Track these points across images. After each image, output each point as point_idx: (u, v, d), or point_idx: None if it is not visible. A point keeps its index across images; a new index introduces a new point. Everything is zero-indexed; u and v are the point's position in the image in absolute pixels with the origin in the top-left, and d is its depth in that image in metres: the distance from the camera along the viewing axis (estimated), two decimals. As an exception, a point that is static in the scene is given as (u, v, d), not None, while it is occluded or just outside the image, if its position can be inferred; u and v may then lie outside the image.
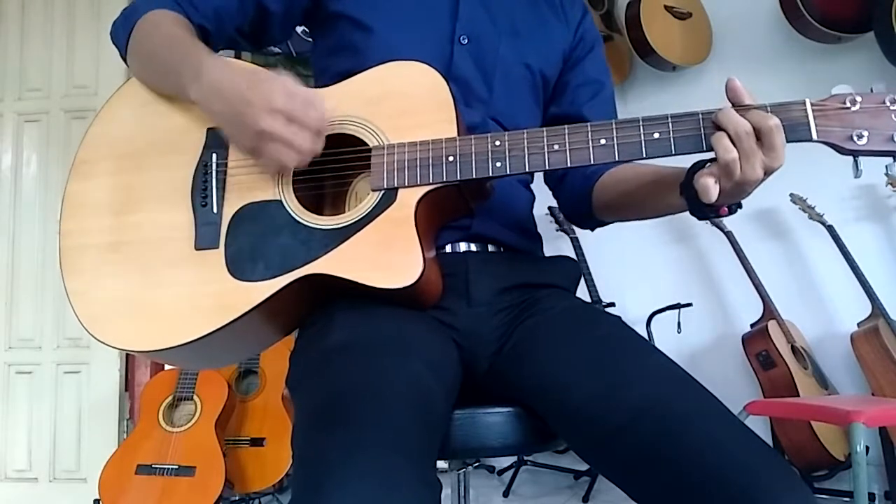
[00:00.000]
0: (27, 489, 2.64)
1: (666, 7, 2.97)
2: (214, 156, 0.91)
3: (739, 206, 0.83)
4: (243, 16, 1.01)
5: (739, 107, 0.78)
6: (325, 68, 1.02)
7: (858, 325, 2.50)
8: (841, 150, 0.78)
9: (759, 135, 0.75)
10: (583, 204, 1.07)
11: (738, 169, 0.75)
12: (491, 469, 3.00)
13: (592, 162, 0.81)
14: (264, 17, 1.03)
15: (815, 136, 0.77)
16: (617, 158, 0.81)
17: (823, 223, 2.66)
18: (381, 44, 0.97)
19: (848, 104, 0.77)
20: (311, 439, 0.68)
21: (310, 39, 1.12)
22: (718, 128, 0.77)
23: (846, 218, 2.75)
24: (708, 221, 2.79)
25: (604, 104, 1.10)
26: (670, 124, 0.79)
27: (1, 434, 2.68)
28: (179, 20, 0.96)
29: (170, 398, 2.32)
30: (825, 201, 2.70)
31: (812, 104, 0.77)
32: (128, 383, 2.70)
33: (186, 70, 0.88)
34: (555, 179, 1.12)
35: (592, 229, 1.17)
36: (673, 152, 0.79)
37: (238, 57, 2.89)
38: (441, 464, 0.92)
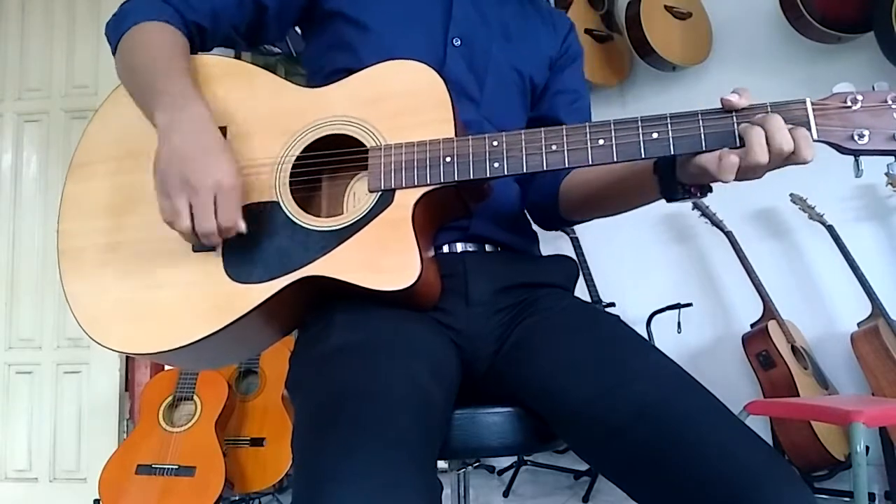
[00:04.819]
0: (27, 489, 2.64)
1: (666, 7, 2.96)
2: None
3: (710, 188, 0.84)
4: (241, 14, 1.01)
5: (742, 109, 0.77)
6: (320, 67, 1.02)
7: (858, 325, 2.50)
8: (842, 150, 0.77)
9: (791, 153, 0.75)
10: (551, 201, 1.07)
11: (757, 171, 0.76)
12: (491, 469, 3.00)
13: (591, 162, 0.81)
14: (261, 15, 1.02)
15: (815, 136, 0.76)
16: (615, 159, 0.80)
17: (823, 223, 2.66)
18: (376, 42, 0.97)
19: (849, 103, 0.76)
20: (311, 440, 0.68)
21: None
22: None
23: (846, 218, 2.74)
24: (708, 221, 2.78)
25: (581, 113, 1.11)
26: (669, 124, 0.79)
27: (1, 434, 2.68)
28: (170, 36, 0.94)
29: (170, 398, 2.32)
30: (825, 201, 2.70)
31: (813, 103, 0.77)
32: (128, 383, 2.70)
33: (168, 94, 0.87)
34: (525, 176, 1.11)
35: (556, 229, 1.17)
36: (672, 152, 0.79)
37: (238, 56, 2.89)
38: (441, 464, 0.92)
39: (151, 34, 0.94)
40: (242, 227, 0.83)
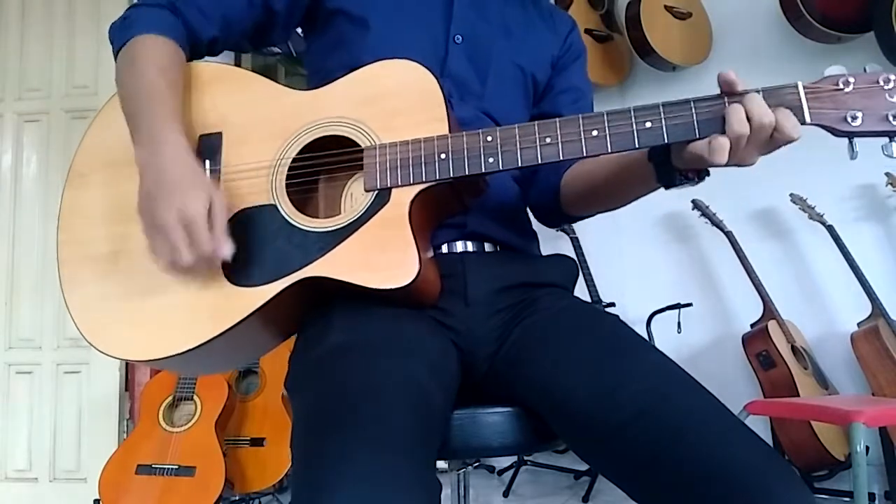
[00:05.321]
0: (27, 489, 2.63)
1: (666, 7, 2.96)
2: (208, 162, 0.91)
3: (707, 173, 0.84)
4: (251, 18, 1.01)
5: (735, 93, 0.78)
6: (321, 67, 1.03)
7: (858, 325, 2.50)
8: (835, 132, 0.77)
9: (773, 131, 0.76)
10: (552, 197, 1.07)
11: (741, 148, 0.76)
12: (491, 469, 3.01)
13: (585, 154, 0.81)
14: (270, 18, 1.03)
15: (808, 120, 0.76)
16: (610, 150, 0.80)
17: (823, 223, 2.66)
18: (377, 40, 0.97)
19: (841, 85, 0.77)
20: (310, 441, 0.68)
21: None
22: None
23: (846, 218, 2.75)
24: (708, 221, 2.78)
25: (582, 111, 1.09)
26: (662, 113, 0.79)
27: (1, 434, 2.68)
28: (168, 54, 0.93)
29: (170, 398, 2.32)
30: (825, 201, 2.70)
31: (805, 87, 0.77)
32: (128, 383, 2.70)
33: (144, 130, 0.87)
34: (526, 174, 1.11)
35: (559, 225, 1.17)
36: (666, 140, 0.79)
37: (238, 59, 2.88)
38: (441, 464, 0.92)
39: (149, 53, 0.92)
40: (224, 251, 0.81)
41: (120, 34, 0.97)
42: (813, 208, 2.70)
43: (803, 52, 2.86)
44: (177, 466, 2.18)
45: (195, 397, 2.32)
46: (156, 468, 2.18)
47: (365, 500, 0.59)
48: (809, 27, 2.68)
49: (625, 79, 3.18)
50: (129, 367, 2.71)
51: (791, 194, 2.72)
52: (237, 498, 2.37)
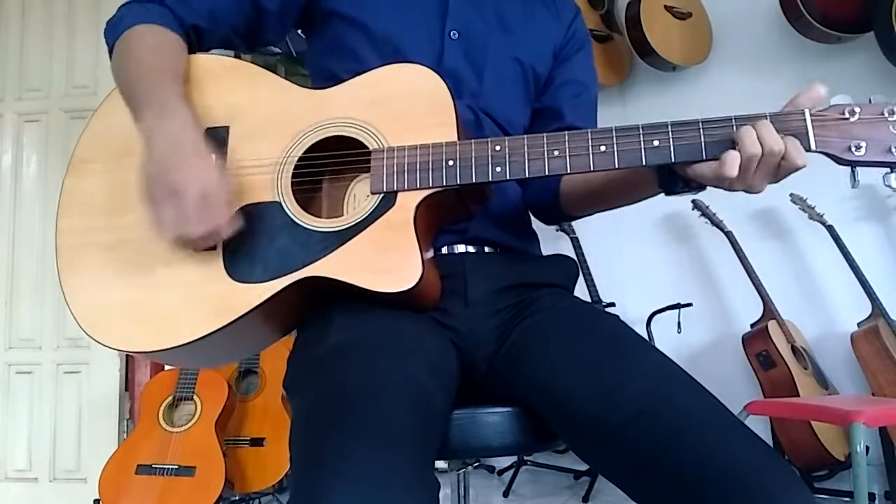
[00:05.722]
0: (27, 489, 2.64)
1: (666, 7, 2.96)
2: (213, 156, 0.91)
3: None
4: (239, 15, 1.01)
5: (741, 116, 0.78)
6: (320, 69, 1.03)
7: (858, 325, 2.50)
8: (839, 161, 0.78)
9: (781, 159, 0.76)
10: (552, 196, 1.07)
11: (751, 170, 0.77)
12: (491, 469, 3.01)
13: (592, 169, 0.82)
14: (260, 16, 1.02)
15: (813, 147, 0.77)
16: (617, 165, 0.81)
17: (823, 223, 2.66)
18: (374, 40, 0.97)
19: (847, 115, 0.78)
20: (308, 440, 0.68)
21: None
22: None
23: (846, 218, 2.75)
24: (708, 221, 2.78)
25: (585, 107, 1.10)
26: (670, 132, 0.80)
27: (1, 434, 2.68)
28: (162, 39, 0.94)
29: (170, 398, 2.32)
30: (825, 201, 2.70)
31: (811, 114, 0.78)
32: (128, 383, 2.70)
33: (153, 101, 0.87)
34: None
35: (558, 223, 1.17)
36: (673, 160, 0.80)
37: (237, 58, 2.88)
38: (441, 464, 0.92)
39: (144, 39, 0.93)
40: (227, 231, 0.82)
41: (112, 32, 0.97)
42: (813, 208, 2.70)
43: (803, 52, 2.86)
44: (177, 466, 2.18)
45: (195, 397, 2.32)
46: (156, 468, 2.18)
47: (364, 500, 0.59)
48: (809, 27, 2.68)
49: (625, 79, 3.18)
50: (129, 367, 2.71)
51: (791, 194, 2.72)
52: (237, 498, 2.37)
